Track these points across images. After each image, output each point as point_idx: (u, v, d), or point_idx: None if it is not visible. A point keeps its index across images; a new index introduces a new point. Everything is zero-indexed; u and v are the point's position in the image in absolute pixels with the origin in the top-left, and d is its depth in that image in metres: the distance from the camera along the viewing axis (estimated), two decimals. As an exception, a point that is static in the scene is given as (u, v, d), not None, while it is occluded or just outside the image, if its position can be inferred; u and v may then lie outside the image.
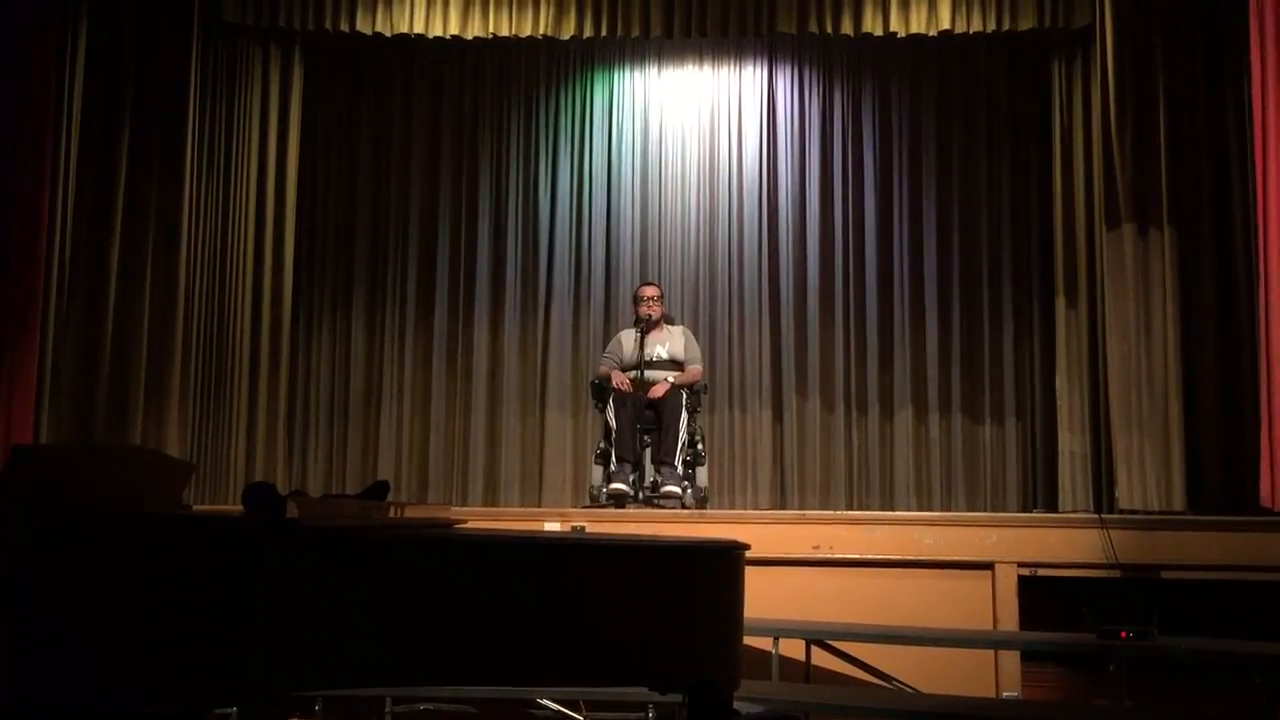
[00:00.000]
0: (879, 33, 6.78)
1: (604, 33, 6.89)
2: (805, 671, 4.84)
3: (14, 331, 6.02)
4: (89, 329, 6.49)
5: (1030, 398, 7.31)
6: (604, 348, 6.93)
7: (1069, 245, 6.85)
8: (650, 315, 6.46)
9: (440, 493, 7.45)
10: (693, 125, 7.84)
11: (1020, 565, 5.42)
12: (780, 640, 4.73)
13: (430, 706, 4.75)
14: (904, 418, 7.40)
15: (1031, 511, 6.95)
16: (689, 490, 6.16)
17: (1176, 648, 4.46)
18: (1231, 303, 6.36)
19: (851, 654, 4.93)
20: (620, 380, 6.30)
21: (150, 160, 6.73)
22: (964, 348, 7.45)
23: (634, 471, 6.17)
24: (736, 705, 2.62)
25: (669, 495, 6.03)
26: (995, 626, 5.32)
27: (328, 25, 6.93)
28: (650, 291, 6.59)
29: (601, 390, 6.44)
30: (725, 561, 2.54)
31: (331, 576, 2.07)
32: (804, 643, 4.82)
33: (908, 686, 4.88)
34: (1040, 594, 5.40)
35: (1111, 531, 5.50)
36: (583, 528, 5.29)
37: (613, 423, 6.22)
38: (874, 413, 7.44)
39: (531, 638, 2.25)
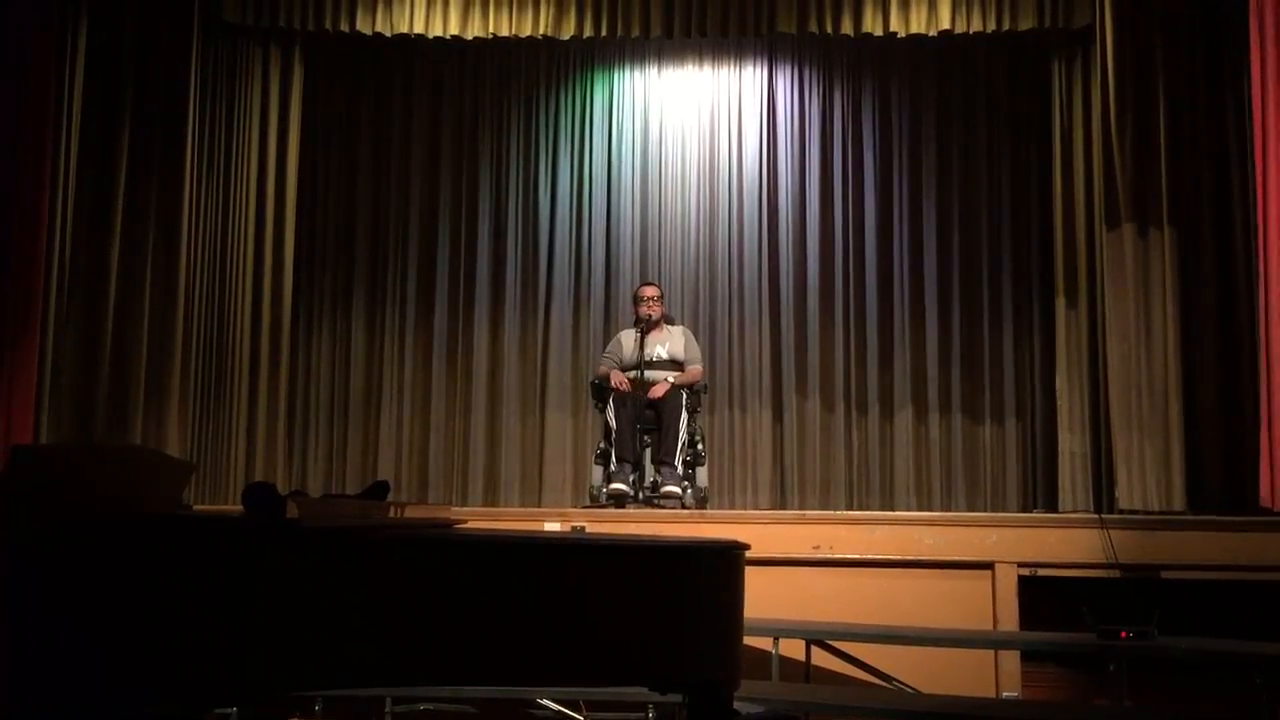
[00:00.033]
0: (879, 33, 6.78)
1: (604, 33, 6.89)
2: (805, 671, 4.84)
3: (14, 331, 6.02)
4: (89, 329, 6.49)
5: (1030, 398, 7.31)
6: (604, 348, 6.93)
7: (1069, 245, 6.85)
8: (650, 315, 6.46)
9: (440, 493, 7.45)
10: (693, 125, 7.84)
11: (1020, 565, 5.42)
12: (780, 640, 4.73)
13: (430, 706, 4.75)
14: (904, 418, 7.40)
15: (1031, 511, 6.95)
16: (689, 490, 6.16)
17: (1176, 648, 4.46)
18: (1231, 303, 6.36)
19: (851, 654, 4.93)
20: (619, 380, 6.30)
21: (150, 160, 6.73)
22: (964, 348, 7.45)
23: (634, 471, 6.17)
24: (736, 705, 2.62)
25: (669, 495, 6.03)
26: (995, 626, 5.32)
27: (328, 25, 6.93)
28: (650, 291, 6.59)
29: (601, 390, 6.44)
30: (725, 561, 2.54)
31: (331, 576, 2.07)
32: (804, 643, 4.82)
33: (908, 686, 4.88)
34: (1040, 594, 5.40)
35: (1111, 531, 5.50)
36: (583, 528, 5.29)
37: (613, 423, 6.22)
38: (874, 413, 7.45)
39: (531, 638, 2.25)
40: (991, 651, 5.23)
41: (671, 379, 6.33)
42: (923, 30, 6.75)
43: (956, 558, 5.45)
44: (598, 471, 6.31)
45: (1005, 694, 5.14)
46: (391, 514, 2.59)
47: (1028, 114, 7.44)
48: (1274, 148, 5.75)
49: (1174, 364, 6.32)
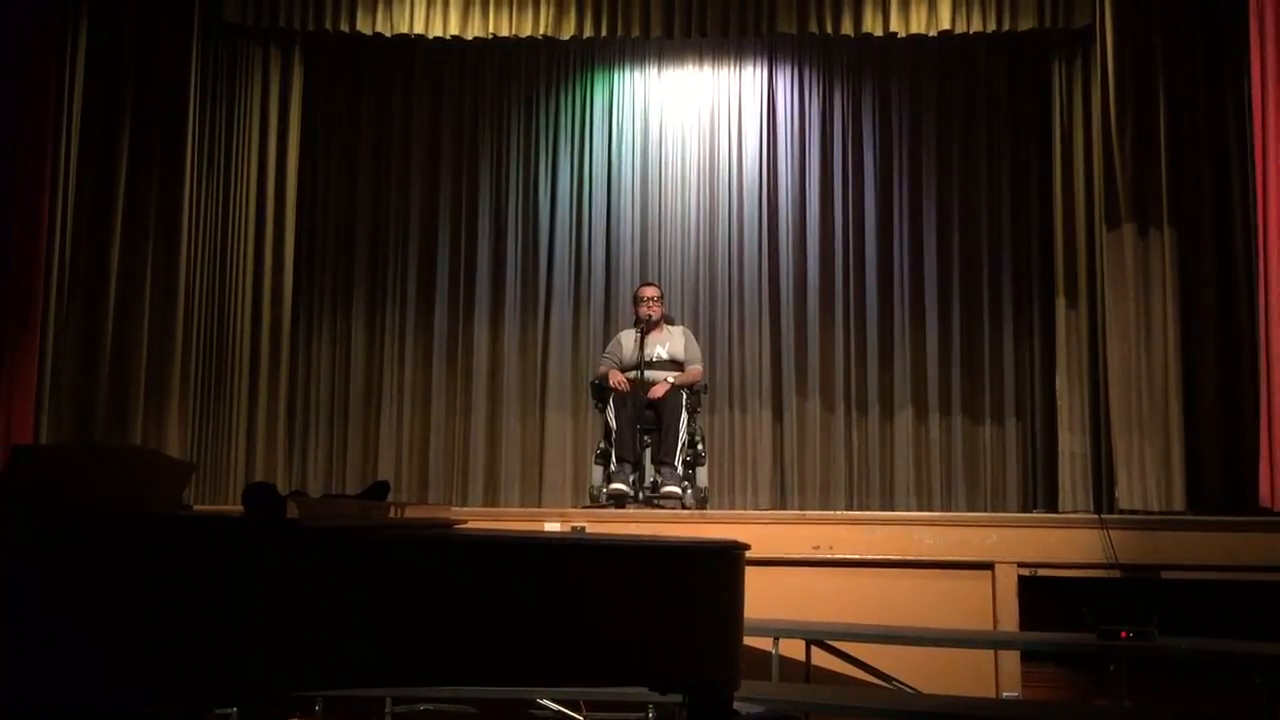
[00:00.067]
0: (879, 33, 6.78)
1: (604, 33, 6.89)
2: (805, 671, 4.84)
3: (14, 331, 6.02)
4: (89, 329, 6.49)
5: (1030, 398, 7.31)
6: (604, 348, 6.93)
7: (1069, 245, 6.85)
8: (650, 315, 6.46)
9: (440, 493, 7.45)
10: (693, 125, 7.84)
11: (1020, 565, 5.42)
12: (780, 640, 4.73)
13: (430, 706, 4.75)
14: (904, 418, 7.40)
15: (1031, 512, 6.95)
16: (689, 490, 6.16)
17: (1176, 648, 4.46)
18: (1231, 303, 6.36)
19: (851, 654, 4.93)
20: (618, 380, 6.30)
21: (150, 160, 6.73)
22: (964, 348, 7.45)
23: (634, 472, 6.17)
24: (736, 705, 2.61)
25: (669, 495, 6.03)
26: (995, 627, 5.32)
27: (328, 25, 6.93)
28: (650, 292, 6.59)
29: (601, 390, 6.44)
30: (725, 562, 2.53)
31: (331, 577, 2.07)
32: (804, 643, 4.82)
33: (908, 686, 4.88)
34: (1040, 594, 5.40)
35: (1111, 532, 5.50)
36: (583, 528, 5.29)
37: (613, 423, 6.22)
38: (874, 413, 7.45)
39: (531, 638, 2.25)
40: (991, 651, 5.23)
41: (671, 379, 6.33)
42: (923, 30, 6.76)
43: (956, 558, 5.45)
44: (598, 471, 6.32)
45: (1005, 694, 5.14)
46: (391, 514, 2.59)
47: (1028, 114, 7.44)
48: (1274, 148, 5.75)
49: (1174, 364, 6.32)
